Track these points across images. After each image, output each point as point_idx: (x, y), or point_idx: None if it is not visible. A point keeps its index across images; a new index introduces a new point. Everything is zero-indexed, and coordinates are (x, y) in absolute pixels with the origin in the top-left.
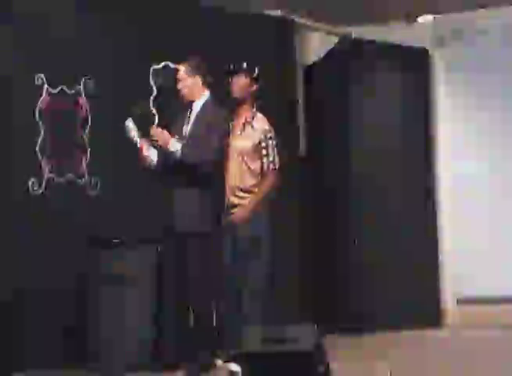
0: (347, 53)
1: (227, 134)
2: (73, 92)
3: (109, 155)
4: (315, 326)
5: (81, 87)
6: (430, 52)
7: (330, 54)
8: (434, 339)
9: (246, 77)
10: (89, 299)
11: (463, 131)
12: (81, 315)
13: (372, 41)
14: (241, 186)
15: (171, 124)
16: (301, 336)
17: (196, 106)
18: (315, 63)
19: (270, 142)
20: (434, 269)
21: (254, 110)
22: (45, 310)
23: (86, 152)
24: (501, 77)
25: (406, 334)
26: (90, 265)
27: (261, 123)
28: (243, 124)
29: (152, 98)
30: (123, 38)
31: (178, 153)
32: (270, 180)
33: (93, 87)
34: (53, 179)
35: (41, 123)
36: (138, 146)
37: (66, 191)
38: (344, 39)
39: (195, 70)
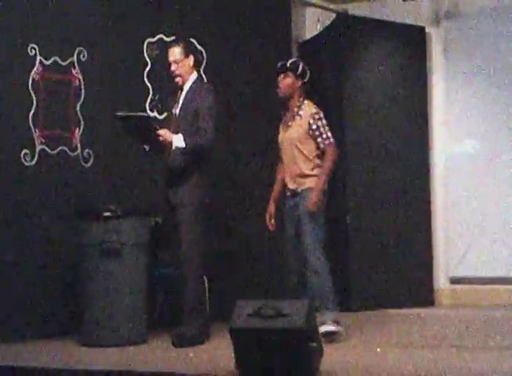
0: (344, 30)
1: (214, 113)
2: (66, 63)
3: (103, 128)
4: (308, 302)
5: (75, 58)
6: (427, 30)
7: (326, 30)
8: (426, 317)
9: (291, 75)
10: (81, 271)
11: (459, 112)
12: (73, 287)
13: (368, 19)
14: (299, 172)
15: (164, 98)
16: (293, 312)
17: (185, 88)
18: (311, 39)
19: (319, 122)
20: (426, 249)
21: (301, 99)
22: (37, 281)
23: (79, 124)
24: (499, 56)
25: (398, 312)
26: (82, 237)
27: (307, 109)
28: (293, 116)
29: (146, 71)
30: (117, 11)
31: (182, 145)
32: (331, 154)
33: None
34: (46, 151)
35: (33, 94)
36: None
37: (59, 163)
38: (341, 16)
39: (189, 50)
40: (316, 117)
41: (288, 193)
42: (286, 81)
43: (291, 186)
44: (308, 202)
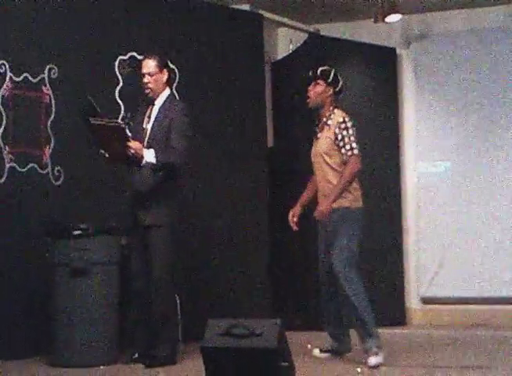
0: (316, 50)
1: (188, 132)
2: (37, 80)
3: (73, 145)
4: (279, 321)
5: (46, 75)
6: (397, 51)
7: (298, 50)
8: (397, 337)
9: (321, 83)
10: (51, 290)
11: (428, 131)
12: (41, 306)
13: (340, 39)
14: (327, 185)
15: (134, 116)
16: (265, 331)
17: (157, 104)
18: (283, 59)
19: (345, 132)
20: (398, 269)
21: (332, 108)
22: (6, 300)
23: (50, 142)
24: (468, 77)
25: None
26: (51, 255)
27: (335, 118)
28: (322, 127)
29: (118, 89)
30: (89, 28)
31: (153, 161)
32: (351, 167)
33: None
34: (15, 169)
35: (3, 111)
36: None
37: (29, 181)
38: (313, 36)
39: (164, 65)
40: (342, 126)
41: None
42: (316, 90)
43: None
44: (316, 209)
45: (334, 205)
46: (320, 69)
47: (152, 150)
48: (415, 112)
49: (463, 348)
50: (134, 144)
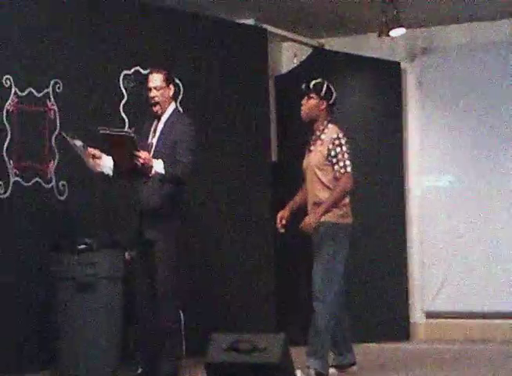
0: (320, 64)
1: (194, 146)
2: (41, 94)
3: (78, 160)
4: (283, 336)
5: (50, 90)
6: (402, 66)
7: (303, 64)
8: (401, 352)
9: (314, 97)
10: (55, 305)
11: (432, 145)
12: (46, 321)
13: (344, 53)
14: (316, 201)
15: (139, 130)
16: (269, 346)
17: (163, 119)
18: (287, 73)
19: (339, 149)
20: (402, 283)
21: (326, 122)
22: (11, 315)
23: (54, 156)
24: (472, 91)
25: (372, 346)
26: (56, 270)
27: (329, 133)
28: (315, 140)
29: (122, 103)
30: (93, 43)
31: (162, 172)
32: (342, 185)
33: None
34: (20, 183)
35: (8, 126)
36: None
37: (33, 195)
38: (317, 50)
39: (170, 80)
40: (336, 142)
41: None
42: (309, 103)
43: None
44: (304, 221)
45: (322, 219)
46: (313, 82)
47: (161, 161)
48: (419, 126)
49: (466, 362)
50: (143, 154)
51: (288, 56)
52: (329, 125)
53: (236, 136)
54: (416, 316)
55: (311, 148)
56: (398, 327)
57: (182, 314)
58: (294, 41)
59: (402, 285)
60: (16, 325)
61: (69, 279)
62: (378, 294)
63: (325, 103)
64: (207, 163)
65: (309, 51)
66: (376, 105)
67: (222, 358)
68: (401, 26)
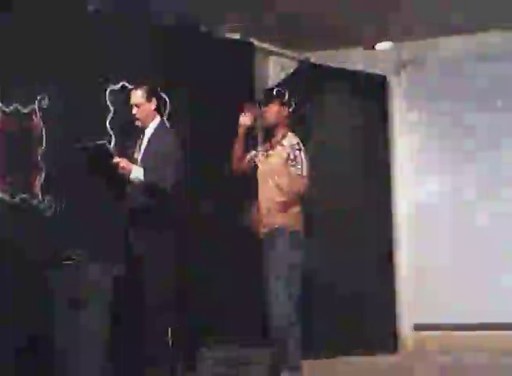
0: (306, 78)
1: (180, 161)
2: (27, 110)
3: (64, 175)
4: (272, 349)
5: (36, 105)
6: (388, 79)
7: (289, 78)
8: (389, 364)
9: (277, 103)
10: (43, 321)
11: (420, 158)
12: (35, 338)
13: (330, 67)
14: (271, 205)
15: (125, 146)
16: (257, 360)
17: (147, 133)
18: (273, 87)
19: (298, 152)
20: (391, 296)
21: (286, 129)
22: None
23: (40, 172)
24: (458, 105)
25: (361, 359)
26: (42, 285)
27: (289, 139)
28: (275, 144)
29: (108, 118)
30: (80, 57)
31: (141, 178)
32: (298, 186)
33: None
34: (5, 199)
35: None
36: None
37: (19, 211)
38: (303, 64)
39: (152, 95)
40: (296, 147)
41: (264, 230)
42: (271, 109)
43: (265, 221)
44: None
45: (275, 224)
46: (275, 89)
47: (141, 168)
48: (406, 139)
49: (455, 374)
50: (120, 159)
51: (275, 69)
52: (289, 133)
53: (222, 150)
54: (405, 328)
55: (270, 152)
56: (387, 340)
57: (170, 331)
58: (281, 55)
59: (390, 297)
60: (7, 343)
61: (57, 294)
62: (366, 307)
63: (286, 110)
64: (192, 176)
65: (296, 65)
66: (362, 118)
67: (211, 372)
68: (387, 39)
